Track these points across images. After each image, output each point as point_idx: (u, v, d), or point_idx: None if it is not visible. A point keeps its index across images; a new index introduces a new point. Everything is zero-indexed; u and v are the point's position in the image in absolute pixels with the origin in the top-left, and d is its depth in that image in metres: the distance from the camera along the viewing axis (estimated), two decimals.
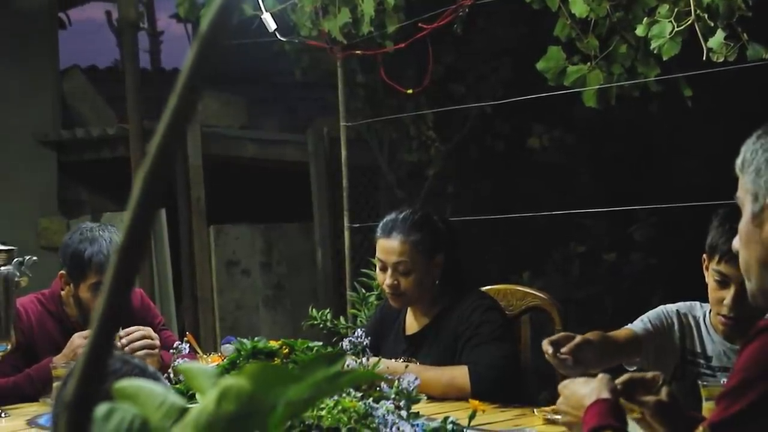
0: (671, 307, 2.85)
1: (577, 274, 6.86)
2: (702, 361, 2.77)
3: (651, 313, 2.85)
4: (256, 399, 0.83)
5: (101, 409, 0.84)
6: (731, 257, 2.33)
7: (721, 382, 2.43)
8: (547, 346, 2.50)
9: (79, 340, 3.10)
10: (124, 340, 3.10)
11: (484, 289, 3.40)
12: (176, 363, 2.92)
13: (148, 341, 3.15)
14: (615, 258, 6.82)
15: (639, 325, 2.82)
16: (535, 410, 2.70)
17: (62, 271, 3.30)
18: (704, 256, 2.64)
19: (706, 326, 2.78)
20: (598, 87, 3.72)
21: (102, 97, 7.75)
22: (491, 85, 6.54)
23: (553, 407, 2.68)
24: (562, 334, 2.56)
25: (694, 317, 2.81)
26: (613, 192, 6.45)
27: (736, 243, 1.64)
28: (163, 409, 0.88)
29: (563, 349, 2.48)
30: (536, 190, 6.73)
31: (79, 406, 0.71)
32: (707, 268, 2.63)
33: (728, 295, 2.57)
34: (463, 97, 6.37)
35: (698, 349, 2.78)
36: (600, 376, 1.93)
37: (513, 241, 6.85)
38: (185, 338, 3.12)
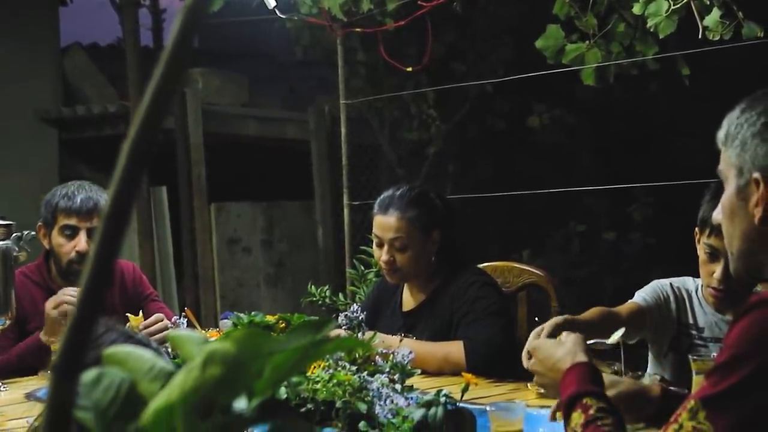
0: (665, 282, 2.89)
1: (576, 253, 6.89)
2: (694, 333, 2.82)
3: (646, 288, 2.89)
4: (242, 363, 0.84)
5: (89, 373, 0.85)
6: (721, 231, 2.37)
7: (712, 355, 2.46)
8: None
9: (68, 290, 3.15)
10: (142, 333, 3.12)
11: (481, 266, 3.41)
12: None
13: (168, 333, 3.15)
14: (614, 237, 6.85)
15: (639, 299, 2.85)
16: (528, 384, 2.72)
17: (39, 223, 3.37)
18: (696, 229, 2.67)
19: (698, 299, 2.83)
20: (596, 65, 3.73)
21: (103, 75, 7.75)
22: (491, 64, 6.54)
23: None
24: (551, 321, 2.49)
25: (687, 290, 2.86)
26: (612, 171, 6.46)
27: (718, 215, 1.65)
28: (151, 373, 0.90)
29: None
30: (536, 169, 6.74)
31: (66, 370, 0.73)
32: (699, 242, 2.66)
33: (718, 268, 2.61)
34: (463, 75, 6.37)
35: (691, 321, 2.83)
36: (572, 336, 1.93)
37: (513, 220, 6.87)
38: (183, 313, 3.13)
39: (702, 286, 2.79)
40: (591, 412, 1.64)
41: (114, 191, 0.71)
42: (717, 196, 2.49)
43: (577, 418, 1.65)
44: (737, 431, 1.38)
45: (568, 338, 1.90)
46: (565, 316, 2.53)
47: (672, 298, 2.85)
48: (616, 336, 2.40)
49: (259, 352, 0.85)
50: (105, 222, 0.72)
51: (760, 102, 1.57)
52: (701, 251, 2.66)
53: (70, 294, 3.11)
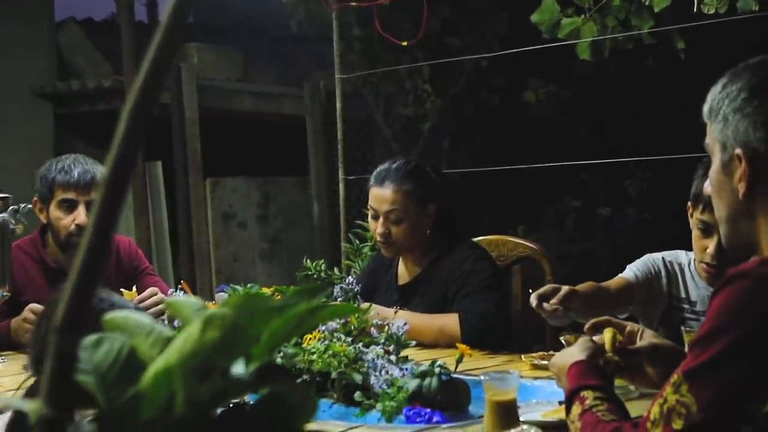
0: (657, 256, 2.90)
1: (571, 228, 6.90)
2: (686, 306, 2.83)
3: (638, 262, 2.90)
4: (240, 327, 0.85)
5: (91, 337, 0.86)
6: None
7: None
8: (534, 299, 2.53)
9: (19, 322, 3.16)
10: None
11: (476, 239, 3.43)
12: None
13: (161, 307, 3.17)
14: (610, 212, 6.86)
15: (629, 273, 2.86)
16: (522, 356, 2.74)
17: (35, 198, 3.38)
18: (689, 204, 2.67)
19: (690, 272, 2.83)
20: (591, 39, 3.73)
21: (98, 50, 7.73)
22: (487, 39, 6.53)
23: (540, 353, 2.73)
24: (549, 286, 2.58)
25: (679, 264, 2.86)
26: (608, 146, 6.47)
27: (707, 187, 1.66)
28: (150, 338, 0.91)
29: (552, 300, 2.51)
30: (531, 144, 6.73)
31: (69, 332, 0.73)
32: (692, 217, 2.66)
33: (711, 243, 2.62)
34: (459, 50, 6.36)
35: (683, 295, 2.84)
36: (580, 339, 1.97)
37: (508, 195, 6.88)
38: (179, 286, 3.15)
39: (695, 260, 2.80)
40: (587, 402, 1.67)
41: (112, 161, 0.72)
42: (709, 171, 2.50)
43: (576, 410, 1.68)
44: (718, 402, 1.39)
45: (574, 343, 1.95)
46: (571, 287, 2.56)
47: (663, 272, 2.86)
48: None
49: (257, 316, 0.86)
50: (103, 192, 0.73)
51: (740, 77, 1.57)
52: (694, 227, 2.67)
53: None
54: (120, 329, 0.91)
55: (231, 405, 0.87)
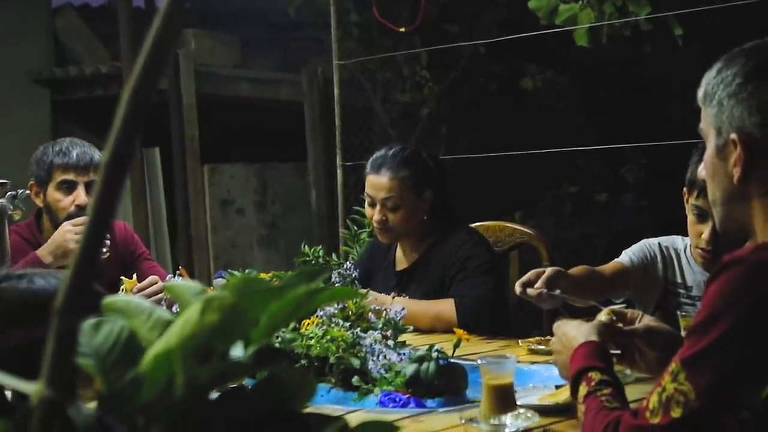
0: (653, 241, 2.91)
1: (568, 214, 6.90)
2: (683, 291, 2.84)
3: (634, 247, 2.91)
4: (239, 311, 0.85)
5: (90, 320, 0.87)
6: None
7: None
8: (518, 287, 2.52)
9: (68, 226, 3.18)
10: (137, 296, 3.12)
11: (473, 225, 3.43)
12: (168, 297, 2.96)
13: (162, 296, 3.17)
14: (606, 199, 6.86)
15: (624, 258, 2.87)
16: (519, 341, 2.75)
17: (31, 182, 3.38)
18: (684, 190, 2.68)
19: (686, 258, 2.84)
20: (589, 25, 3.73)
21: (95, 36, 7.72)
22: (485, 25, 6.52)
23: (537, 338, 2.74)
24: (531, 272, 2.56)
25: (675, 249, 2.88)
26: (605, 133, 6.46)
27: (701, 172, 1.67)
28: (150, 321, 0.92)
29: (536, 285, 2.51)
30: (529, 130, 6.73)
31: (69, 313, 0.74)
32: (687, 202, 2.67)
33: (706, 229, 2.63)
34: (456, 36, 6.35)
35: (679, 280, 2.85)
36: (594, 321, 1.96)
37: (505, 181, 6.88)
38: (178, 271, 3.15)
39: (690, 245, 2.81)
40: (593, 384, 1.67)
41: (112, 145, 0.72)
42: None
43: (582, 390, 1.69)
44: (716, 388, 1.40)
45: (587, 323, 1.94)
46: (557, 267, 2.56)
47: (659, 257, 2.87)
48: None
49: (256, 299, 0.86)
50: (103, 175, 0.73)
51: (735, 62, 1.57)
52: (689, 212, 2.68)
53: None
54: (120, 312, 0.91)
55: (230, 388, 0.88)
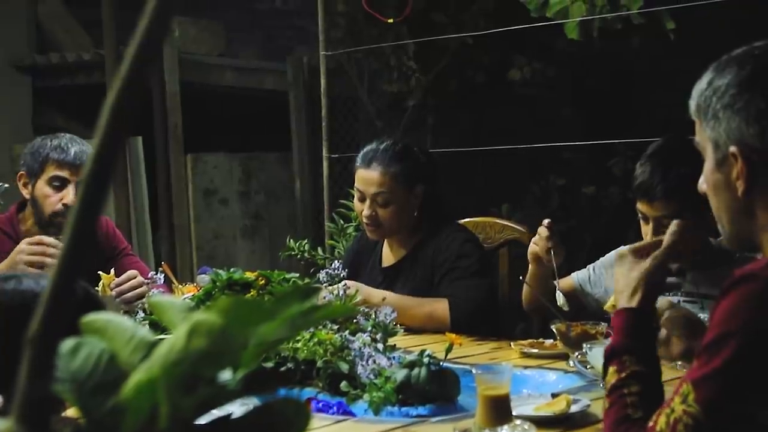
0: (587, 269, 2.98)
1: (555, 207, 6.87)
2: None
3: (582, 271, 2.98)
4: (228, 335, 0.80)
5: (68, 343, 0.81)
6: (646, 195, 2.51)
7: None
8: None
9: (24, 245, 3.07)
10: (114, 291, 3.06)
11: (463, 221, 3.39)
12: (151, 294, 2.90)
13: (141, 290, 3.10)
14: (594, 191, 6.83)
15: (573, 278, 2.95)
16: (512, 344, 2.70)
17: (21, 172, 3.31)
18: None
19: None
20: (580, 19, 3.68)
21: (78, 22, 7.63)
22: (473, 16, 6.46)
23: (530, 341, 2.69)
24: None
25: (607, 262, 2.90)
26: (593, 125, 6.43)
27: (703, 185, 1.59)
28: (132, 343, 0.86)
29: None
30: (516, 122, 6.69)
31: (44, 340, 0.68)
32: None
33: (649, 230, 2.60)
34: (444, 27, 6.28)
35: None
36: (642, 266, 1.77)
37: (492, 173, 6.84)
38: (160, 268, 3.08)
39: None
40: (623, 375, 1.59)
41: (98, 143, 0.67)
42: (648, 160, 2.52)
43: (611, 376, 1.62)
44: (727, 410, 1.35)
45: (641, 264, 1.78)
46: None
47: (588, 286, 2.92)
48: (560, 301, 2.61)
49: (246, 324, 0.80)
50: (88, 176, 0.68)
51: (726, 71, 1.50)
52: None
53: (53, 246, 3.03)
54: (99, 333, 0.85)
55: (217, 418, 0.82)
